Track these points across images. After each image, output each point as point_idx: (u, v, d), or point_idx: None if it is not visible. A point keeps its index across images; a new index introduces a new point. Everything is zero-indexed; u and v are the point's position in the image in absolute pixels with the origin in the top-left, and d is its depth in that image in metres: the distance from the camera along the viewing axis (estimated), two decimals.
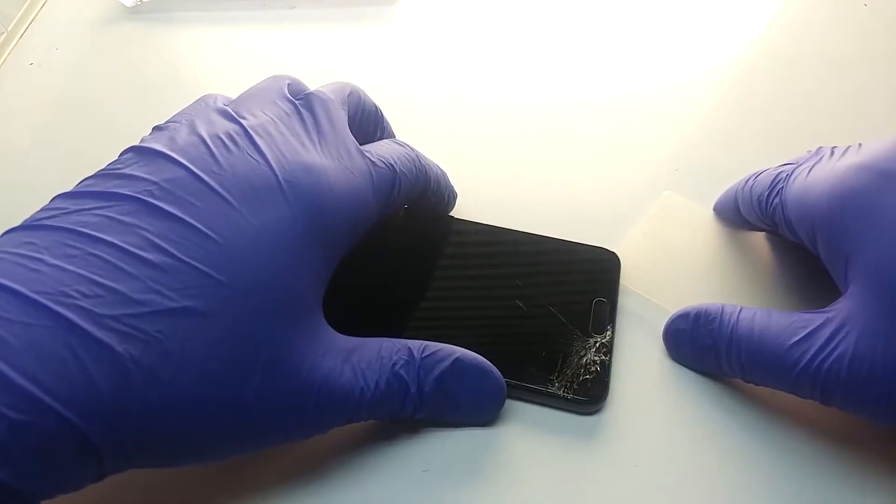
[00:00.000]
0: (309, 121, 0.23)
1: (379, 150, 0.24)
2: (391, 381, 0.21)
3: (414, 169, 0.25)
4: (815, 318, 0.21)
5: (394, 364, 0.21)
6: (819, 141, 0.34)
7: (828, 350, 0.20)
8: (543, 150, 0.34)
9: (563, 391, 0.23)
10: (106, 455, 0.16)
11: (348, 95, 0.26)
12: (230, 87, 0.38)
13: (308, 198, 0.20)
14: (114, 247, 0.17)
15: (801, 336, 0.21)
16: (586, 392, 0.23)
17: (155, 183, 0.19)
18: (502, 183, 0.32)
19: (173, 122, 0.22)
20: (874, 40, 0.39)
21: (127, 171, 0.19)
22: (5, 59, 0.41)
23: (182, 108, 0.23)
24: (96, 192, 0.19)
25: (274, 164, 0.20)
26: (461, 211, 0.29)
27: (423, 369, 0.22)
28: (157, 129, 0.22)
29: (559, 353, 0.24)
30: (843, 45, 0.39)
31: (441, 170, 0.28)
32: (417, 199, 0.26)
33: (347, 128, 0.24)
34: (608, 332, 0.25)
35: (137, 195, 0.18)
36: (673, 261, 0.28)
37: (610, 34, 0.41)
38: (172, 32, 0.42)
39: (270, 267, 0.19)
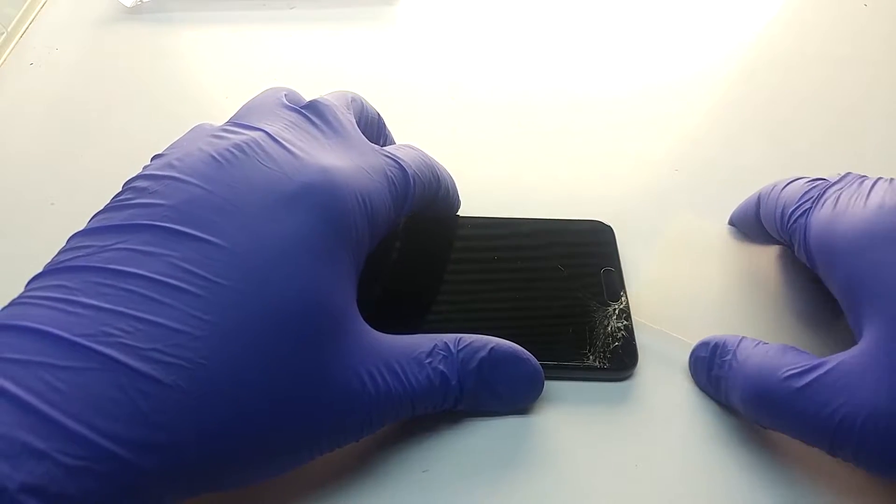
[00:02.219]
0: (317, 124, 0.23)
1: (391, 151, 0.24)
2: (432, 376, 0.21)
3: (426, 170, 0.25)
4: (829, 362, 0.19)
5: (432, 360, 0.21)
6: (818, 140, 0.34)
7: (840, 400, 0.18)
8: (543, 150, 0.34)
9: (599, 362, 0.24)
10: (165, 489, 0.16)
11: (350, 102, 0.25)
12: (230, 86, 0.39)
13: (325, 199, 0.20)
14: (144, 278, 0.17)
15: (810, 379, 0.19)
16: (619, 358, 0.24)
17: (170, 207, 0.18)
18: (502, 182, 0.32)
19: (172, 148, 0.21)
20: (874, 40, 0.39)
21: (138, 200, 0.19)
22: (5, 59, 0.41)
23: (176, 140, 0.22)
24: (113, 227, 0.18)
25: (287, 169, 0.20)
26: (462, 210, 0.29)
27: (461, 362, 0.22)
28: (156, 157, 0.21)
29: (585, 326, 0.25)
30: (843, 45, 0.39)
31: (448, 173, 0.28)
32: (429, 202, 0.26)
33: (358, 128, 0.24)
34: (623, 298, 0.26)
35: (155, 222, 0.18)
36: (690, 290, 0.27)
37: (610, 34, 0.41)
38: (172, 32, 0.42)
39: (296, 275, 0.19)
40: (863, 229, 0.20)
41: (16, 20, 0.43)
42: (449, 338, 0.22)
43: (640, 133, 0.35)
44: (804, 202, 0.23)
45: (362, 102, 0.27)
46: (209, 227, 0.18)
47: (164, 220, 0.18)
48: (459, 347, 0.22)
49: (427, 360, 0.21)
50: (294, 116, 0.22)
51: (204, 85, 0.39)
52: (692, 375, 0.25)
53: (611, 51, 0.40)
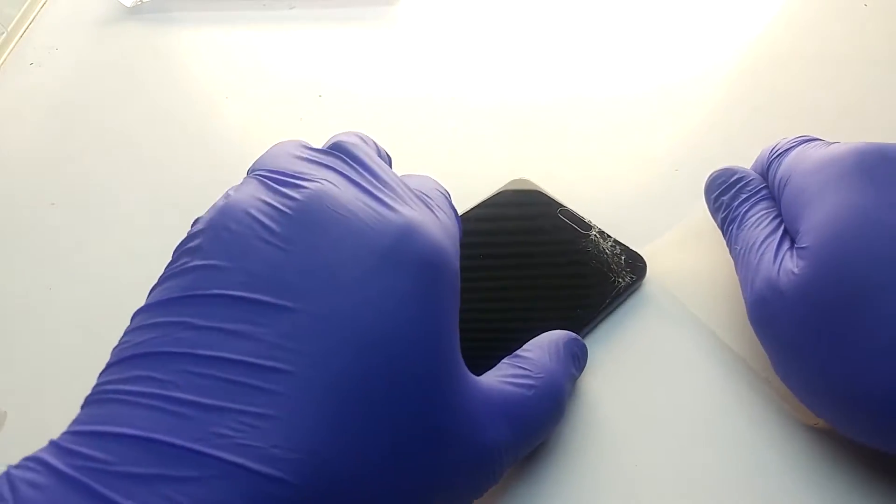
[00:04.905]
0: (359, 171, 0.20)
1: (428, 194, 0.22)
2: (552, 408, 0.21)
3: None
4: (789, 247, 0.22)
5: (537, 389, 0.21)
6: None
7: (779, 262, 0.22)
8: (543, 150, 0.34)
9: (625, 279, 0.27)
10: None
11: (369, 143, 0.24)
12: (230, 87, 0.39)
13: (426, 250, 0.18)
14: (238, 363, 0.15)
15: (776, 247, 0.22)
16: (634, 265, 0.27)
17: (239, 270, 0.16)
18: (502, 182, 0.32)
19: (201, 231, 0.18)
20: (874, 40, 0.39)
21: (195, 262, 0.17)
22: (5, 59, 0.41)
23: (206, 220, 0.18)
24: (184, 298, 0.16)
25: (370, 222, 0.18)
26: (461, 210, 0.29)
27: (558, 378, 0.22)
28: (197, 220, 0.19)
29: (592, 261, 0.27)
30: (843, 45, 0.39)
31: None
32: None
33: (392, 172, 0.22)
34: (592, 224, 0.29)
35: (228, 292, 0.16)
36: (700, 265, 0.28)
37: (610, 34, 0.41)
38: (172, 32, 0.42)
39: (410, 337, 0.17)
40: (814, 159, 0.23)
41: (16, 20, 0.43)
42: (525, 362, 0.21)
43: (640, 133, 0.35)
44: (793, 144, 0.26)
45: (375, 143, 0.24)
46: (292, 292, 0.16)
47: (237, 289, 0.16)
48: (534, 370, 0.21)
49: (521, 394, 0.20)
50: (337, 164, 0.20)
51: (204, 85, 0.39)
52: (705, 187, 0.27)
53: (611, 51, 0.40)
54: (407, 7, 0.43)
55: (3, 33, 0.42)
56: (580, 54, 0.40)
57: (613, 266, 0.27)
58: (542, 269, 0.27)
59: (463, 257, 0.26)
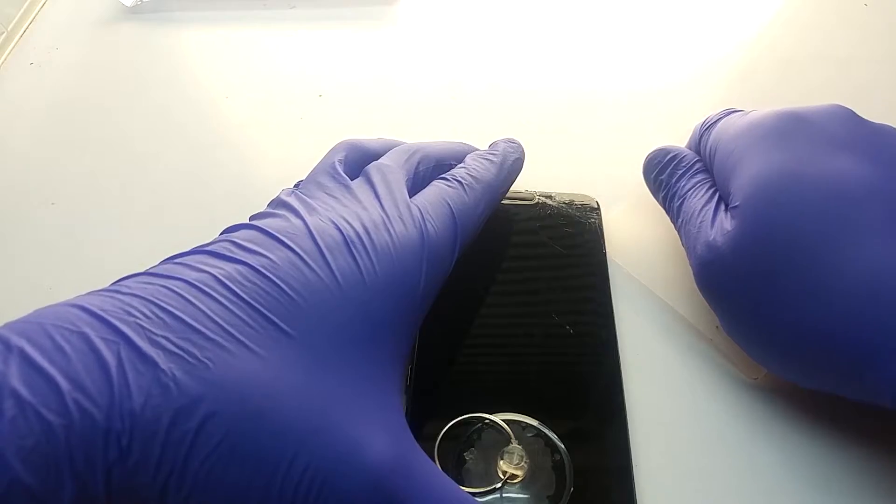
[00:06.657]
0: (363, 189, 0.23)
1: (433, 211, 0.23)
2: None
3: (467, 198, 0.24)
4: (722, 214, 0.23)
5: None
6: None
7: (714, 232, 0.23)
8: (544, 150, 0.34)
9: (593, 217, 0.29)
10: (120, 467, 0.15)
11: (406, 159, 0.25)
12: (230, 87, 0.39)
13: (392, 287, 0.20)
14: (183, 281, 0.18)
15: (706, 221, 0.24)
16: (589, 206, 0.30)
17: (233, 241, 0.20)
18: None
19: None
20: (874, 40, 0.39)
21: (218, 245, 0.20)
22: (5, 59, 0.41)
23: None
24: (189, 251, 0.20)
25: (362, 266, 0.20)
26: None
27: None
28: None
29: (559, 221, 0.29)
30: (843, 45, 0.39)
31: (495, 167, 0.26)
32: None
33: (405, 192, 0.23)
34: (533, 193, 0.30)
35: (212, 249, 0.20)
36: (646, 239, 0.29)
37: (610, 33, 0.41)
38: (172, 32, 0.42)
39: (350, 335, 0.19)
40: (738, 125, 0.25)
41: (16, 20, 0.43)
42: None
43: (641, 132, 0.35)
44: (720, 116, 0.27)
45: (422, 152, 0.26)
46: (259, 259, 0.19)
47: (220, 249, 0.19)
48: None
49: None
50: (336, 186, 0.23)
51: (204, 85, 0.39)
52: (644, 166, 0.29)
53: (611, 50, 0.40)
54: (407, 6, 0.43)
55: (3, 33, 0.42)
56: (580, 53, 0.40)
57: (576, 214, 0.29)
58: (529, 251, 0.28)
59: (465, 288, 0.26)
